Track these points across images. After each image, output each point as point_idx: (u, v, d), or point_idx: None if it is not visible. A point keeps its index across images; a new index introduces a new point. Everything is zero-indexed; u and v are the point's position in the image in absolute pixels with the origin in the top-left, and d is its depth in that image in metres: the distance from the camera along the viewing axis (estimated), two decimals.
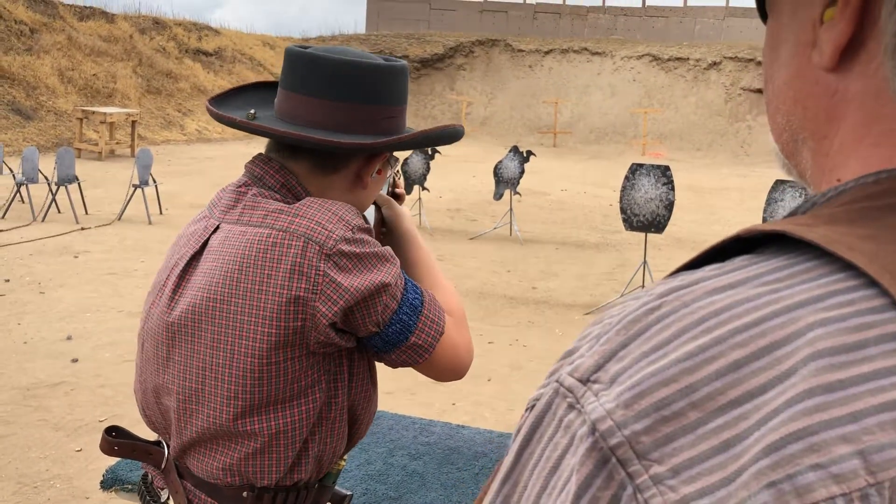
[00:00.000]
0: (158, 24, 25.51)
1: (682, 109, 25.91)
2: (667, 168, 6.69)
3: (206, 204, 1.39)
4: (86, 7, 23.31)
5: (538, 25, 32.09)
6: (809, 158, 0.48)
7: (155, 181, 10.23)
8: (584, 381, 0.37)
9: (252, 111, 1.36)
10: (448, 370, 1.32)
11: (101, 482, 1.89)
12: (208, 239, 1.28)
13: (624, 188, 6.73)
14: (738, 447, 0.33)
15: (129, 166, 13.58)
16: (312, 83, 1.29)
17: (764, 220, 6.26)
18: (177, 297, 1.28)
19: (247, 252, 1.20)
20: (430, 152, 10.08)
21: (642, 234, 8.60)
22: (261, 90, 1.50)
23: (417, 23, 32.58)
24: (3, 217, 9.53)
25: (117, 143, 17.15)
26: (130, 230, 9.29)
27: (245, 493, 1.26)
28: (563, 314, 6.63)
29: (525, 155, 9.72)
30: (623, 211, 6.73)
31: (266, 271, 1.18)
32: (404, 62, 1.39)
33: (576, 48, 28.95)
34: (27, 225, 9.24)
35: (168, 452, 1.33)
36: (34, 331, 5.57)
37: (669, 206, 6.61)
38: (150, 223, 9.70)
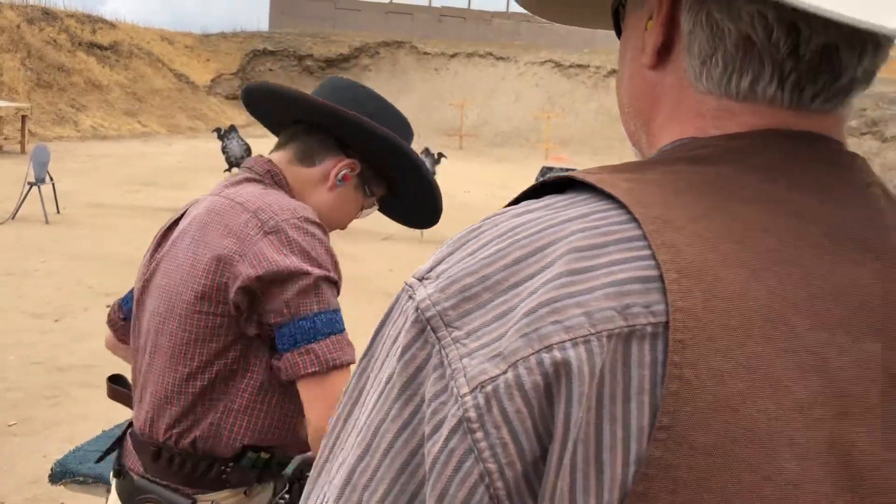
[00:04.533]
0: (48, 14, 24.32)
1: (582, 115, 26.70)
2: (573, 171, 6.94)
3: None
4: None
5: (443, 29, 32.38)
6: (645, 140, 0.61)
7: (52, 179, 9.81)
8: (420, 279, 0.50)
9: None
10: (327, 407, 1.24)
11: (50, 476, 1.87)
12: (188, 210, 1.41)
13: None
14: (511, 315, 0.45)
15: (20, 163, 12.92)
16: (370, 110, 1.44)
17: None
18: (153, 262, 1.40)
19: (203, 216, 1.32)
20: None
21: None
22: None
23: (322, 21, 32.28)
24: None
25: (6, 139, 16.28)
26: (26, 229, 8.88)
27: (153, 448, 1.33)
28: None
29: (437, 157, 9.84)
30: None
31: (210, 232, 1.29)
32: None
33: (481, 52, 29.39)
34: None
35: None
36: None
37: None
38: (47, 222, 9.29)
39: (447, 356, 0.46)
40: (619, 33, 0.64)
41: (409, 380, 0.47)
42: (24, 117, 16.59)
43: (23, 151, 15.83)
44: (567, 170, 6.93)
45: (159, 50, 27.72)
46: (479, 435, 0.44)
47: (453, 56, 29.49)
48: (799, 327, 0.45)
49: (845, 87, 0.53)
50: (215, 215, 1.31)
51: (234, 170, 9.98)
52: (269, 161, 1.42)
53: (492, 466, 0.43)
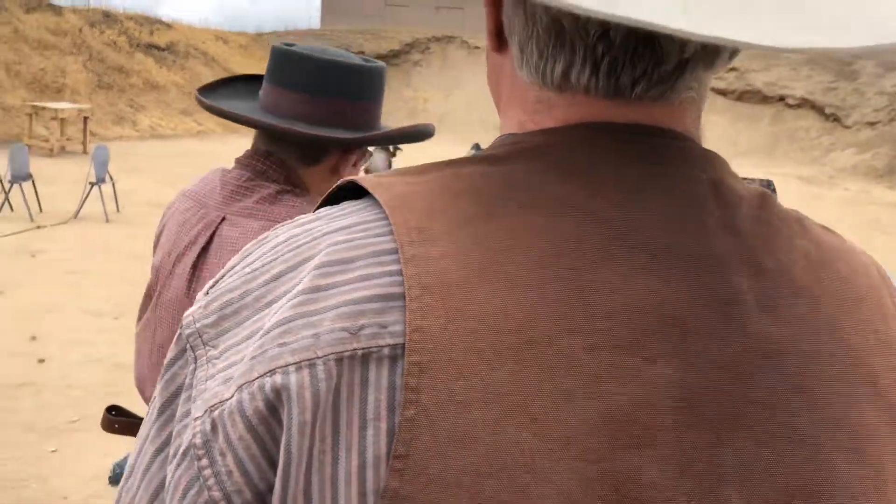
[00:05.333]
0: (109, 17, 24.98)
1: None
2: None
3: (185, 194, 1.46)
4: None
5: None
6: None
7: (112, 178, 10.07)
8: (205, 293, 0.48)
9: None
10: None
11: (110, 477, 1.90)
12: (215, 230, 1.37)
13: None
14: (258, 335, 0.43)
15: (82, 163, 13.29)
16: (296, 79, 1.40)
17: None
18: (194, 283, 1.36)
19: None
20: (391, 149, 10.07)
21: None
22: (245, 82, 1.60)
23: (373, 18, 32.47)
24: None
25: (68, 140, 16.78)
26: (88, 229, 9.13)
27: None
28: None
29: (475, 148, 9.81)
30: None
31: None
32: (382, 64, 1.52)
33: None
34: None
35: None
36: None
37: None
38: (107, 221, 9.54)
39: (196, 376, 0.45)
40: None
41: (167, 401, 0.46)
42: (85, 118, 17.08)
43: (84, 152, 16.29)
44: None
45: (214, 50, 28.23)
46: (205, 462, 0.42)
47: None
48: (572, 349, 0.40)
49: (674, 71, 0.46)
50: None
51: None
52: (283, 164, 1.41)
53: (216, 495, 0.42)
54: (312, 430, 0.40)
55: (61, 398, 4.44)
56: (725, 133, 25.17)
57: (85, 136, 16.96)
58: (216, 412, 0.42)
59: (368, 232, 0.45)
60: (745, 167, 19.81)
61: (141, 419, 1.46)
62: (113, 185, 10.12)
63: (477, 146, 10.15)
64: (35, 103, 16.98)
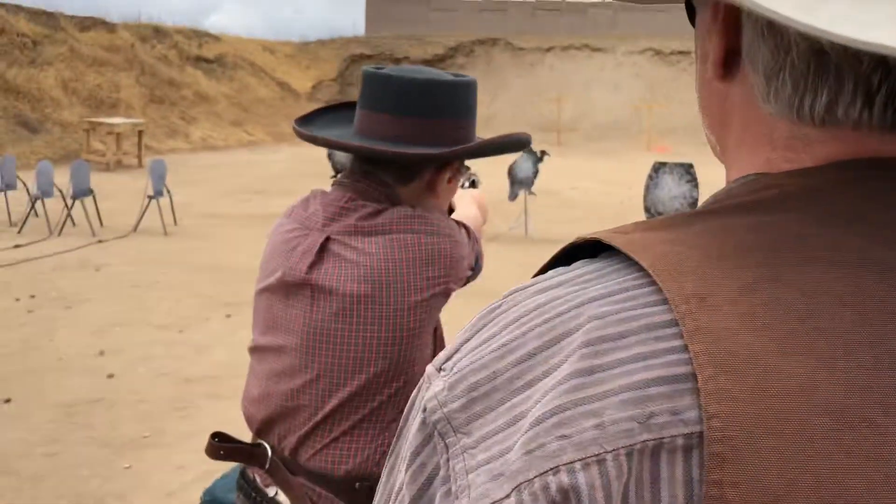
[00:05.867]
0: (159, 32, 25.53)
1: (686, 103, 25.89)
2: (690, 165, 6.70)
3: (287, 216, 1.49)
4: (86, 17, 23.32)
5: (538, 23, 32.07)
6: (723, 160, 0.51)
7: (169, 192, 10.24)
8: (438, 369, 0.43)
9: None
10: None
11: None
12: (322, 248, 1.39)
13: (647, 187, 6.74)
14: (521, 422, 0.38)
15: (138, 177, 13.57)
16: (383, 101, 1.42)
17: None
18: (316, 301, 1.38)
19: (396, 254, 1.37)
20: (538, 154, 9.83)
21: None
22: (342, 110, 1.63)
23: (417, 23, 32.57)
24: (19, 232, 9.53)
25: (124, 154, 17.16)
26: (147, 242, 9.30)
27: (357, 485, 1.35)
28: None
29: (539, 155, 9.71)
30: (647, 210, 6.73)
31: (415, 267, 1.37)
32: (472, 78, 1.47)
33: (577, 45, 28.96)
34: (44, 239, 9.24)
35: (271, 453, 1.43)
36: (66, 346, 5.57)
37: (694, 204, 6.61)
38: (165, 234, 9.70)
39: (454, 469, 0.40)
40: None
41: (417, 494, 0.42)
42: (140, 132, 17.45)
43: (140, 165, 16.65)
44: (682, 164, 6.71)
45: (261, 60, 28.64)
46: None
47: (549, 50, 29.18)
48: (893, 431, 0.34)
49: None
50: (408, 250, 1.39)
51: (339, 176, 10.15)
52: (384, 184, 1.43)
53: None
54: None
55: (132, 413, 4.49)
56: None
57: (140, 149, 17.34)
58: None
59: (636, 301, 0.39)
60: None
61: (243, 444, 1.47)
62: (170, 198, 10.29)
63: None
64: (91, 119, 17.41)
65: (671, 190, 6.65)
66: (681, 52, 27.15)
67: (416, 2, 33.08)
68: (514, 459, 0.37)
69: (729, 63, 0.46)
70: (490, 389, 0.40)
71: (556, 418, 0.37)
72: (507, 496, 0.37)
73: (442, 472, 0.40)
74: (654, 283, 0.39)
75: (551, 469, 0.36)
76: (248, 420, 1.49)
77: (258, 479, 1.47)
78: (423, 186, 1.47)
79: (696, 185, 6.66)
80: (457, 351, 0.44)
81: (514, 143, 1.56)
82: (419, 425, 0.42)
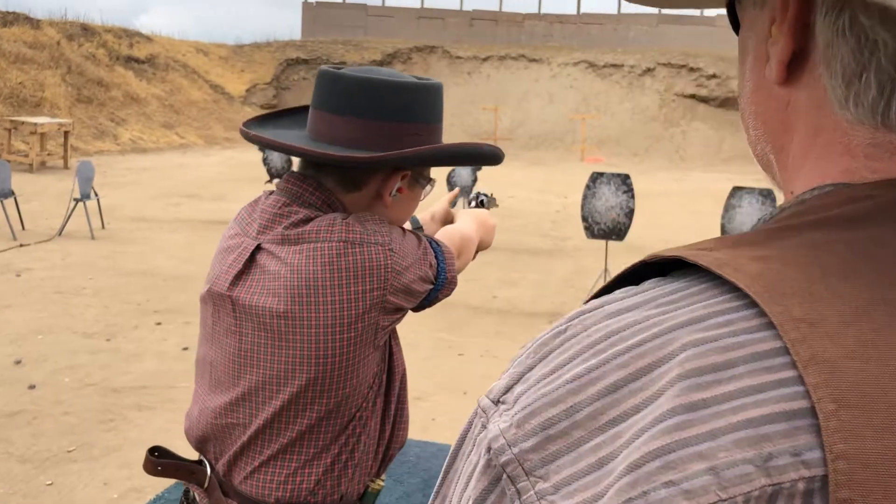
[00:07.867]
0: (87, 30, 24.73)
1: (618, 115, 26.43)
2: (626, 176, 6.81)
3: (234, 220, 1.42)
4: (9, 12, 22.42)
5: (475, 32, 32.30)
6: (777, 171, 0.48)
7: (97, 194, 9.89)
8: (496, 402, 0.39)
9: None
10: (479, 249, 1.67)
11: None
12: (251, 258, 1.31)
13: (585, 196, 6.81)
14: (611, 464, 0.34)
15: (63, 178, 13.10)
16: (335, 101, 1.33)
17: (722, 226, 6.42)
18: (238, 317, 1.30)
19: (316, 266, 1.25)
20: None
21: (595, 241, 8.71)
22: (303, 113, 1.52)
23: (354, 29, 32.41)
24: None
25: (49, 155, 16.53)
26: (73, 246, 8.95)
27: None
28: (528, 323, 6.65)
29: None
30: (584, 219, 6.81)
31: (343, 278, 1.25)
32: (436, 82, 1.40)
33: (513, 55, 29.26)
34: None
35: (210, 472, 1.36)
36: None
37: (629, 214, 6.72)
38: (92, 238, 9.36)
39: None
40: (735, 29, 0.52)
41: None
42: (66, 133, 16.83)
43: (65, 166, 16.06)
44: (619, 175, 6.80)
45: (195, 62, 28.03)
46: None
47: (486, 59, 29.39)
48: None
49: None
50: (331, 261, 1.29)
51: (276, 181, 9.95)
52: (321, 188, 1.33)
53: None
54: None
55: (55, 426, 4.28)
56: (709, 139, 25.31)
57: (66, 150, 16.73)
58: None
59: (735, 326, 0.36)
60: (729, 173, 19.95)
61: (186, 461, 1.38)
62: (98, 201, 9.94)
63: (479, 196, 9.92)
64: (13, 118, 16.71)
65: (608, 200, 6.74)
66: (613, 65, 27.70)
67: (353, 7, 32.93)
68: None
69: (792, 66, 0.43)
70: (568, 427, 0.36)
71: (660, 461, 0.33)
72: None
73: None
74: (753, 304, 0.36)
75: None
76: (187, 435, 1.41)
77: (198, 499, 1.40)
78: (370, 195, 1.35)
79: (633, 196, 6.76)
80: (518, 381, 0.39)
81: (479, 155, 1.42)
82: (483, 468, 0.37)
